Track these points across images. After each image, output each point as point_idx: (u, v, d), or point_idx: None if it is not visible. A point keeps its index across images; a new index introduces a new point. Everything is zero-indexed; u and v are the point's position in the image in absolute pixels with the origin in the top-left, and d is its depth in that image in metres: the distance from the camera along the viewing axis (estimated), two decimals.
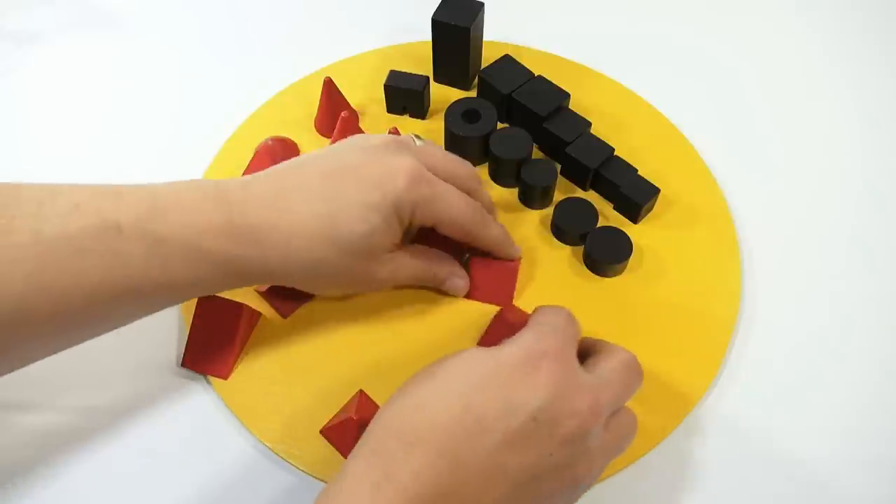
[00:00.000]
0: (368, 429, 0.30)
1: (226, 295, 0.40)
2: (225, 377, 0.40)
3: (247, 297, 0.42)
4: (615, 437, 0.31)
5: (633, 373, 0.33)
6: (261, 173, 0.36)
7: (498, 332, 0.40)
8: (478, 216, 0.39)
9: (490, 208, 0.42)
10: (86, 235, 0.31)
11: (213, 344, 0.40)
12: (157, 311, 0.35)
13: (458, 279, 0.42)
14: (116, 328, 0.35)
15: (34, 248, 0.30)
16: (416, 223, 0.37)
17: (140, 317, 0.35)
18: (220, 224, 0.33)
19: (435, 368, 0.31)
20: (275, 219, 0.34)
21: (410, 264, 0.39)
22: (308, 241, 0.34)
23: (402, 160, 0.36)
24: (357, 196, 0.35)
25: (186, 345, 0.40)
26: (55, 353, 0.34)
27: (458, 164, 0.40)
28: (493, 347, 0.31)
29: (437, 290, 0.42)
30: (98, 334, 0.35)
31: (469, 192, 0.39)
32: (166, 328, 0.42)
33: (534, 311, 0.35)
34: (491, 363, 0.30)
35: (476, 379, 0.29)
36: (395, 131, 0.47)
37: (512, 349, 0.30)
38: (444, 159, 0.39)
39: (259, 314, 0.42)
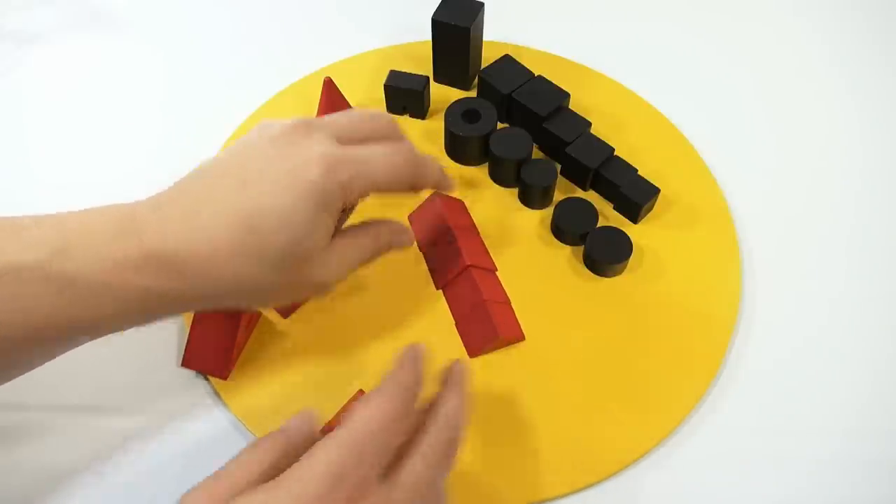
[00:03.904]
0: None
1: None
2: (225, 377, 0.40)
3: None
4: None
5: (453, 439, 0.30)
6: (172, 189, 0.33)
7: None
8: (411, 164, 0.35)
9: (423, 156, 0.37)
10: None
11: (213, 344, 0.40)
12: (82, 344, 0.33)
13: (402, 235, 0.38)
14: (36, 367, 0.33)
15: None
16: (351, 203, 0.35)
17: (59, 354, 0.32)
18: (136, 258, 0.30)
19: None
20: (192, 242, 0.31)
21: (352, 250, 0.35)
22: (231, 260, 0.31)
23: (311, 147, 0.32)
24: (272, 202, 0.31)
25: (186, 345, 0.40)
26: None
27: (372, 121, 0.36)
28: (284, 485, 0.26)
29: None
30: (12, 377, 0.32)
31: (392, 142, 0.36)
32: (166, 328, 0.42)
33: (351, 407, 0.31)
34: None
35: None
36: None
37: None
38: (358, 121, 0.35)
39: (259, 314, 0.42)
